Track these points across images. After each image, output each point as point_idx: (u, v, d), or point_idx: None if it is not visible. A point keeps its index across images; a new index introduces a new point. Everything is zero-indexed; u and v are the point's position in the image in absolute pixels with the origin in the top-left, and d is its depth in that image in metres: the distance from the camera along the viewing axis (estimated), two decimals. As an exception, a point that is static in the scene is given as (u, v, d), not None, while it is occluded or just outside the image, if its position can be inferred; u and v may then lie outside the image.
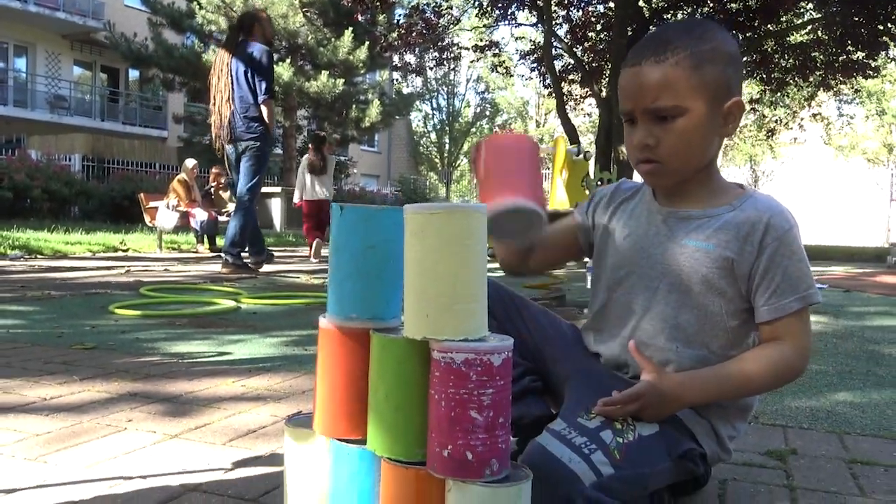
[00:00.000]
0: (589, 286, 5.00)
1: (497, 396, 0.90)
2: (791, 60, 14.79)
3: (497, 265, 1.40)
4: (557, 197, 3.88)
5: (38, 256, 8.31)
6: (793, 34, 14.75)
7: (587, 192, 4.00)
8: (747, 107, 20.66)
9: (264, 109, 5.49)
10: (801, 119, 20.73)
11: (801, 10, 14.34)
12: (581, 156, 4.06)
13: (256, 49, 5.42)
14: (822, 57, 14.45)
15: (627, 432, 1.12)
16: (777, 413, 1.95)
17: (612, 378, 1.27)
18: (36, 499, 1.22)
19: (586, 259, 3.94)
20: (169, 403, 1.87)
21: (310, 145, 9.08)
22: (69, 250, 9.05)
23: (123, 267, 6.59)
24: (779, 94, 16.46)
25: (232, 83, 5.39)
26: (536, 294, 3.96)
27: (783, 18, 13.59)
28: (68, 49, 24.95)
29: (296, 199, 8.98)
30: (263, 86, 5.41)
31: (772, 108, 18.68)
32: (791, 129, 20.82)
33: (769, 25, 13.66)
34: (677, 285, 1.23)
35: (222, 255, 6.02)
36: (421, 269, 0.92)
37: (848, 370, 2.56)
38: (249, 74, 5.40)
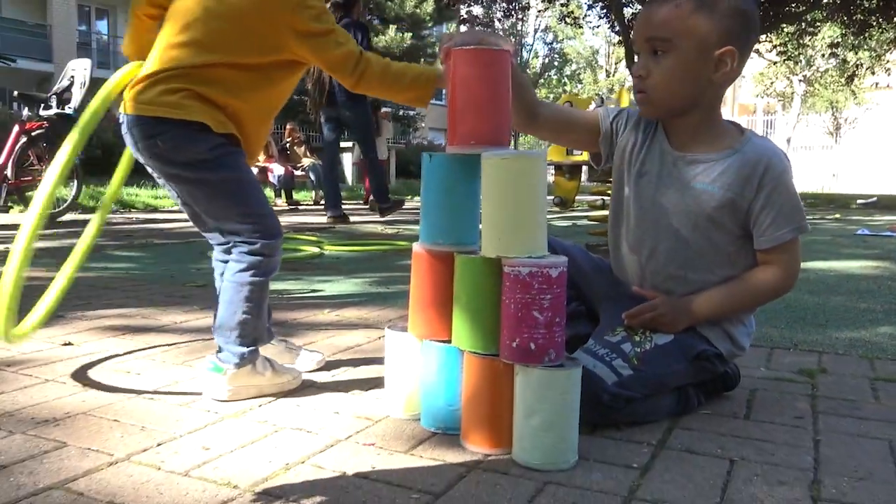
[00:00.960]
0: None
1: (554, 301, 1.16)
2: (874, 0, 14.15)
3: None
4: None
5: (132, 210, 8.91)
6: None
7: None
8: (827, 51, 19.92)
9: None
10: (887, 62, 19.82)
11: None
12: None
13: (356, 27, 5.89)
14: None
15: (645, 342, 1.38)
16: (817, 342, 2.14)
17: (634, 300, 1.50)
18: (179, 395, 1.55)
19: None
20: (278, 326, 2.19)
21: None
22: (158, 204, 9.65)
23: (212, 218, 7.04)
24: (861, 36, 15.77)
25: None
26: (601, 241, 4.17)
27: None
28: (147, 10, 25.73)
29: (354, 160, 9.71)
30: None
31: (854, 51, 17.90)
32: (875, 73, 19.94)
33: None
34: (685, 222, 1.45)
35: (379, 206, 7.02)
36: (494, 202, 1.18)
37: (895, 309, 2.70)
38: None
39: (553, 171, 4.29)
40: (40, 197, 1.35)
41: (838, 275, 3.56)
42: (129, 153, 1.55)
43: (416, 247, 1.34)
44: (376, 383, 1.60)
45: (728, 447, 1.29)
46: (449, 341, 1.28)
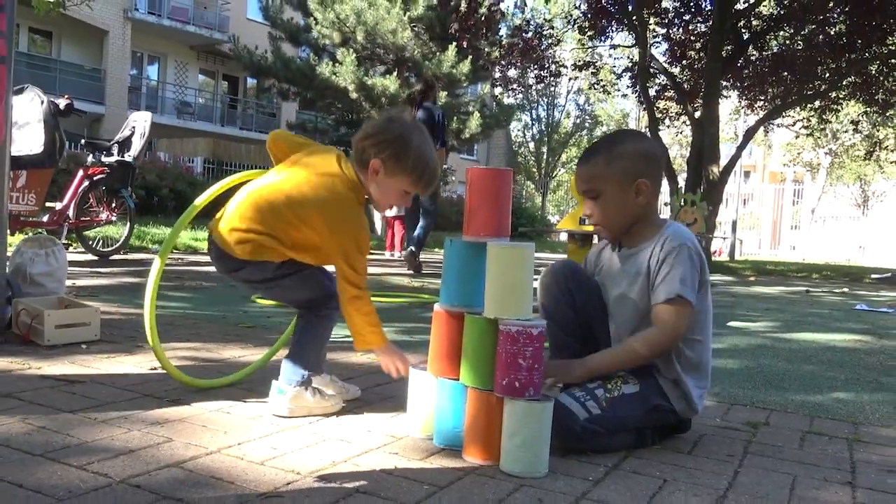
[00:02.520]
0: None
1: (534, 352, 1.59)
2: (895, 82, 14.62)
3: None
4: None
5: (174, 251, 9.48)
6: (899, 57, 14.56)
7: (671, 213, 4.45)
8: (850, 127, 20.35)
9: (440, 154, 7.02)
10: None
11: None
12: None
13: (435, 108, 7.15)
14: (929, 79, 14.23)
15: (615, 390, 1.81)
16: (773, 402, 2.52)
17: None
18: (247, 412, 1.99)
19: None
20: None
21: None
22: (198, 246, 10.22)
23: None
24: (884, 115, 16.19)
25: None
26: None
27: (888, 41, 13.47)
28: (195, 59, 27.03)
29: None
30: (441, 138, 7.08)
31: (874, 128, 18.30)
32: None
33: (876, 48, 13.60)
34: (629, 298, 1.91)
35: (411, 249, 7.61)
36: (494, 278, 1.63)
37: (856, 378, 3.08)
38: (427, 127, 6.77)
39: (567, 239, 4.73)
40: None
41: (819, 346, 3.93)
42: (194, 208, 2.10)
43: (437, 307, 1.79)
44: (400, 410, 2.03)
45: (665, 472, 1.70)
46: (457, 379, 1.72)
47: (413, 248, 7.59)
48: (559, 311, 1.97)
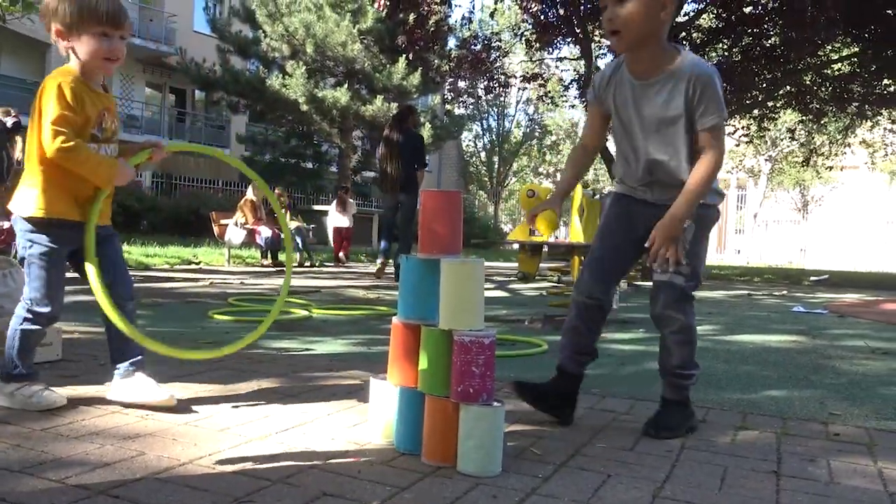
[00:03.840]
0: (613, 306, 5.75)
1: (487, 360, 1.72)
2: (829, 91, 15.27)
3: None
4: (577, 233, 4.68)
5: (128, 267, 9.38)
6: (831, 67, 15.21)
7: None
8: (786, 134, 21.14)
9: (419, 175, 7.86)
10: (850, 145, 21.01)
11: (840, 43, 14.82)
12: (596, 196, 4.85)
13: (413, 135, 7.88)
14: (859, 89, 14.90)
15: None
16: (710, 401, 2.70)
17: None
18: (215, 424, 2.08)
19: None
20: (281, 377, 2.74)
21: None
22: (150, 262, 10.13)
23: (206, 279, 7.58)
24: (818, 123, 16.88)
25: (399, 154, 7.71)
26: (557, 311, 4.75)
27: (819, 53, 14.08)
28: (141, 72, 26.64)
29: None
30: (419, 159, 7.81)
31: (809, 136, 19.05)
32: (836, 156, 21.09)
33: (809, 59, 14.19)
34: (654, 128, 2.10)
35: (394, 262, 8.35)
36: (447, 292, 1.76)
37: (788, 376, 3.29)
38: (408, 151, 7.73)
39: (518, 249, 4.90)
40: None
41: (756, 347, 4.16)
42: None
43: (395, 320, 1.91)
44: (361, 419, 2.14)
45: (609, 467, 1.84)
46: (415, 387, 1.84)
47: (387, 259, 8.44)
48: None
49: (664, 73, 2.05)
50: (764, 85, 14.86)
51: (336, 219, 13.29)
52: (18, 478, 1.55)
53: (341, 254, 12.98)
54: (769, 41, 14.11)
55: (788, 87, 14.69)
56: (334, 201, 13.79)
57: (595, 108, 2.30)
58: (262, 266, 11.02)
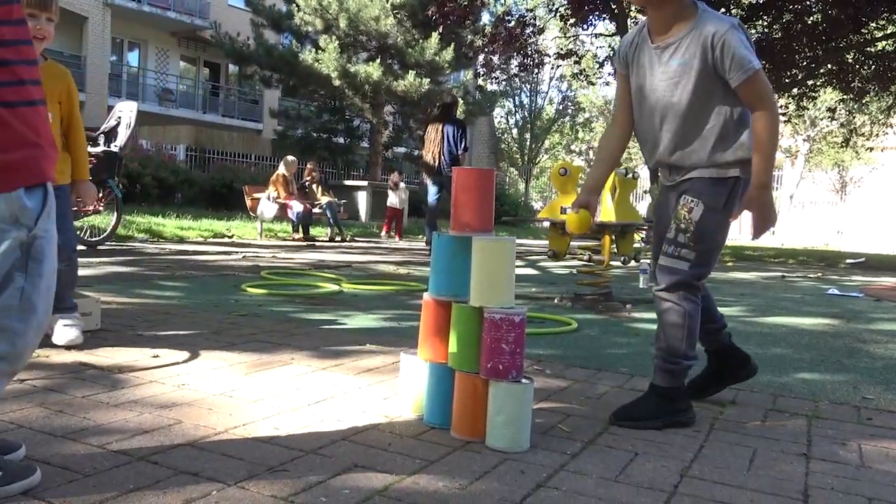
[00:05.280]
0: (641, 285, 5.73)
1: (517, 337, 1.74)
2: (872, 69, 14.86)
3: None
4: (608, 212, 4.64)
5: (160, 239, 9.54)
6: (874, 45, 14.79)
7: (637, 207, 4.59)
8: (826, 114, 20.66)
9: (462, 158, 8.86)
10: (892, 125, 20.49)
11: (886, 20, 14.40)
12: (629, 175, 4.80)
13: (458, 122, 8.81)
14: (903, 67, 14.48)
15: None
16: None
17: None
18: (249, 395, 2.12)
19: (633, 262, 4.73)
20: (313, 350, 2.78)
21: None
22: (184, 235, 10.28)
23: (240, 252, 7.68)
24: (860, 102, 16.46)
25: (442, 140, 8.70)
26: (587, 290, 4.74)
27: (863, 30, 13.69)
28: (176, 45, 26.84)
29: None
30: (462, 145, 8.81)
31: (850, 116, 18.59)
32: (877, 136, 20.58)
33: (852, 36, 13.81)
34: (674, 90, 1.99)
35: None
36: (479, 269, 1.77)
37: (821, 359, 3.25)
38: (453, 137, 8.75)
39: (549, 227, 4.88)
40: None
41: (789, 330, 4.12)
42: None
43: (426, 296, 1.93)
44: (391, 393, 2.18)
45: (637, 446, 1.85)
46: (446, 363, 1.86)
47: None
48: None
49: (682, 33, 1.96)
50: (804, 63, 14.51)
51: (389, 198, 14.12)
52: (62, 442, 1.61)
53: (384, 231, 13.67)
54: (811, 18, 13.75)
55: (829, 66, 14.32)
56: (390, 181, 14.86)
57: (622, 79, 2.19)
58: (294, 240, 11.12)
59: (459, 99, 9.44)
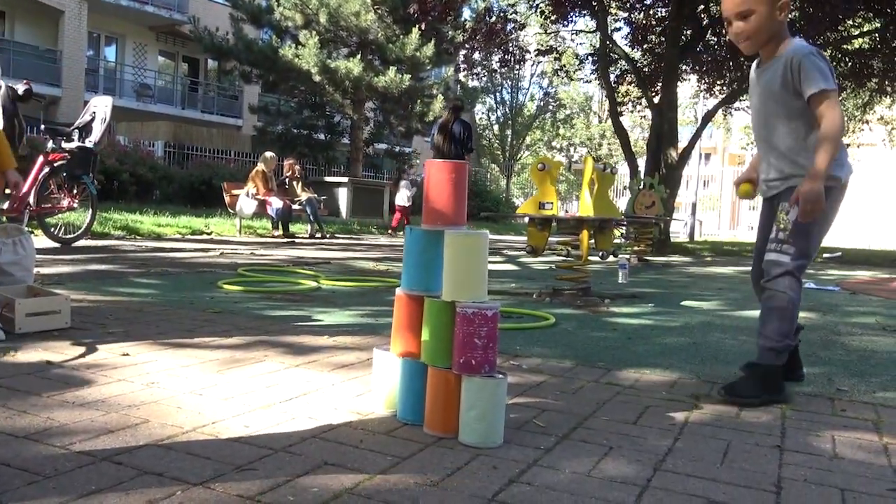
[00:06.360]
0: (620, 280, 5.74)
1: (489, 331, 1.72)
2: (849, 66, 14.99)
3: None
4: (587, 207, 4.63)
5: (137, 237, 9.43)
6: (851, 42, 14.93)
7: (616, 203, 4.59)
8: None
9: (467, 158, 8.97)
10: (868, 122, 20.70)
11: (861, 18, 14.54)
12: (608, 170, 4.80)
13: (465, 123, 8.96)
14: (879, 64, 14.63)
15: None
16: (717, 375, 2.69)
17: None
18: (220, 393, 2.09)
19: (612, 257, 4.74)
20: (288, 347, 2.75)
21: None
22: (161, 231, 10.18)
23: (217, 250, 7.60)
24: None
25: (451, 138, 8.83)
26: (566, 285, 4.74)
27: (839, 27, 13.81)
28: (154, 40, 26.57)
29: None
30: (469, 145, 8.97)
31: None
32: (853, 132, 20.78)
33: (829, 34, 13.92)
34: (772, 106, 2.36)
35: None
36: (451, 263, 1.75)
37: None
38: (461, 136, 8.97)
39: (528, 223, 4.87)
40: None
41: (765, 323, 4.13)
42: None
43: (399, 291, 1.91)
44: (365, 390, 2.15)
45: (611, 440, 1.84)
46: (419, 358, 1.84)
47: None
48: None
49: (776, 58, 2.33)
50: (782, 59, 14.58)
51: (398, 196, 15.35)
52: (23, 444, 1.57)
53: (391, 229, 14.96)
54: (788, 15, 13.83)
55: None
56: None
57: None
58: (273, 237, 11.05)
59: (464, 104, 9.58)
